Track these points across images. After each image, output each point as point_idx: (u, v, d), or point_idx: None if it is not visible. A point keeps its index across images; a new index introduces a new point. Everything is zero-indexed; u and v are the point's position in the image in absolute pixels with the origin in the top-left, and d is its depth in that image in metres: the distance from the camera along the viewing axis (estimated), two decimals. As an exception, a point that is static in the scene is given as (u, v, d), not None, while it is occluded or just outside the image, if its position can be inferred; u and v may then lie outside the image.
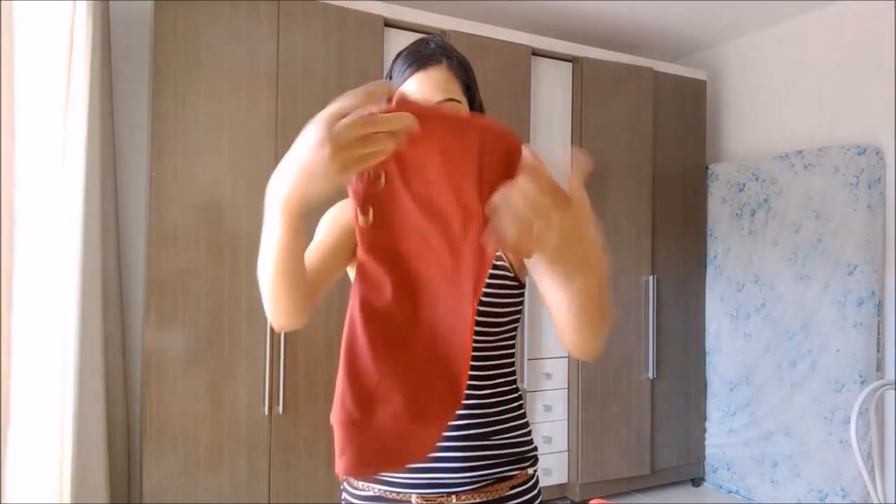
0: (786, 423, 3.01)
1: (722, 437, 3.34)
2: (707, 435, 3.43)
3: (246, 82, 2.32)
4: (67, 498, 1.98)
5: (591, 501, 0.76)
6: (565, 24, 3.27)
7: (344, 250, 0.93)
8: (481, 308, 0.94)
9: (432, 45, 0.98)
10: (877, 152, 2.79)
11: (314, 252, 0.91)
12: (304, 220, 0.68)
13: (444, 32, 2.70)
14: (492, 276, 0.96)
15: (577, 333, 0.73)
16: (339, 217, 0.96)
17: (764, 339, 3.15)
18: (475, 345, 0.95)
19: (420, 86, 0.94)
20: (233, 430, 2.28)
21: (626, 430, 3.13)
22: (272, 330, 2.34)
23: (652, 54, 3.65)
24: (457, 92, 0.96)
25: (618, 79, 3.14)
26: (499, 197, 0.56)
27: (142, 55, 2.51)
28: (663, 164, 3.30)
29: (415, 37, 2.71)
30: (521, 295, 1.01)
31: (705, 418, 3.44)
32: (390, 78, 0.98)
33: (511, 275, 0.98)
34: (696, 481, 3.43)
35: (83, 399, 2.07)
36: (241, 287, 2.30)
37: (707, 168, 3.50)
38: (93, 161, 2.12)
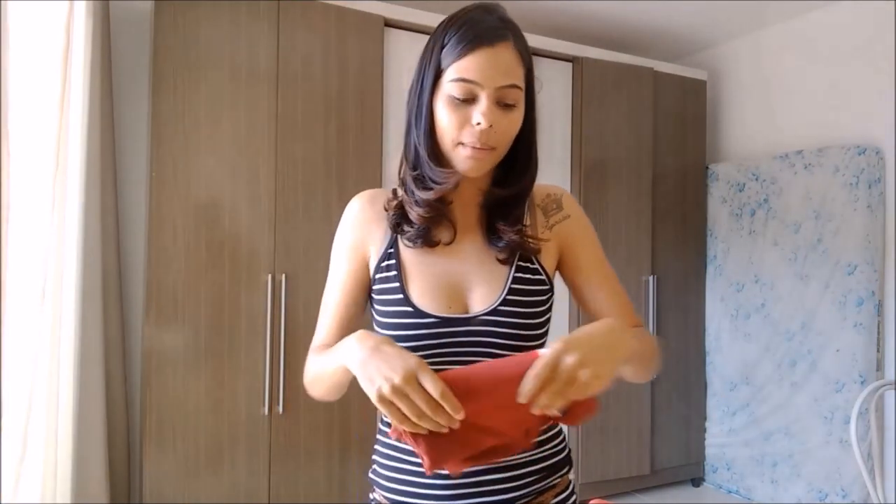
0: (786, 423, 3.01)
1: (722, 437, 3.34)
2: (707, 435, 3.43)
3: (246, 82, 2.32)
4: (67, 498, 1.98)
5: (591, 501, 0.76)
6: (565, 24, 3.27)
7: (365, 284, 0.95)
8: (514, 328, 0.87)
9: (494, 16, 0.84)
10: (877, 152, 2.79)
11: (344, 292, 0.95)
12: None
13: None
14: (525, 293, 0.89)
15: (633, 377, 0.89)
16: (352, 244, 0.95)
17: (764, 339, 3.15)
18: None
19: (484, 65, 0.81)
20: (233, 430, 2.28)
21: (626, 430, 3.13)
22: (272, 330, 2.34)
23: (652, 54, 3.65)
24: (519, 76, 0.84)
25: (618, 79, 3.14)
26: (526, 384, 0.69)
27: (142, 55, 2.51)
28: (663, 164, 3.30)
29: (415, 37, 2.72)
30: (552, 299, 0.95)
31: (705, 418, 3.44)
32: (442, 48, 0.83)
33: (546, 286, 0.92)
34: (696, 481, 3.43)
35: (83, 399, 2.07)
36: (240, 287, 2.30)
37: (707, 168, 3.50)
38: (93, 161, 2.12)
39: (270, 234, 2.35)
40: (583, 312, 0.97)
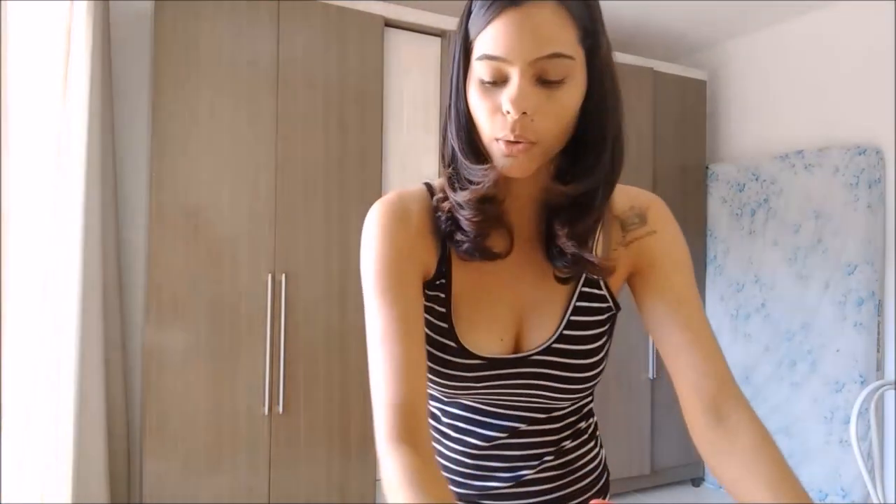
0: (786, 423, 3.01)
1: (722, 437, 3.34)
2: (707, 435, 3.43)
3: (246, 82, 2.32)
4: (67, 498, 1.98)
5: (591, 501, 0.75)
6: (565, 24, 3.27)
7: (423, 307, 0.73)
8: (568, 371, 0.74)
9: None
10: (877, 152, 2.79)
11: (420, 328, 0.70)
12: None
13: (444, 32, 2.70)
14: (584, 325, 0.74)
15: None
16: (411, 261, 0.72)
17: (764, 339, 3.15)
18: (563, 405, 0.79)
19: (511, 33, 0.60)
20: (233, 430, 2.28)
21: (626, 430, 3.13)
22: (272, 330, 2.34)
23: (652, 54, 3.65)
24: (567, 41, 0.62)
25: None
26: None
27: (142, 55, 2.51)
28: (663, 164, 3.30)
29: (415, 37, 2.73)
30: (613, 324, 0.80)
31: (705, 418, 3.44)
32: (469, 16, 0.66)
33: (611, 314, 0.78)
34: (696, 481, 3.42)
35: (83, 399, 2.07)
36: (241, 286, 2.30)
37: (707, 168, 3.50)
38: (93, 160, 2.12)
39: (270, 234, 2.35)
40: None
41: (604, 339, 0.76)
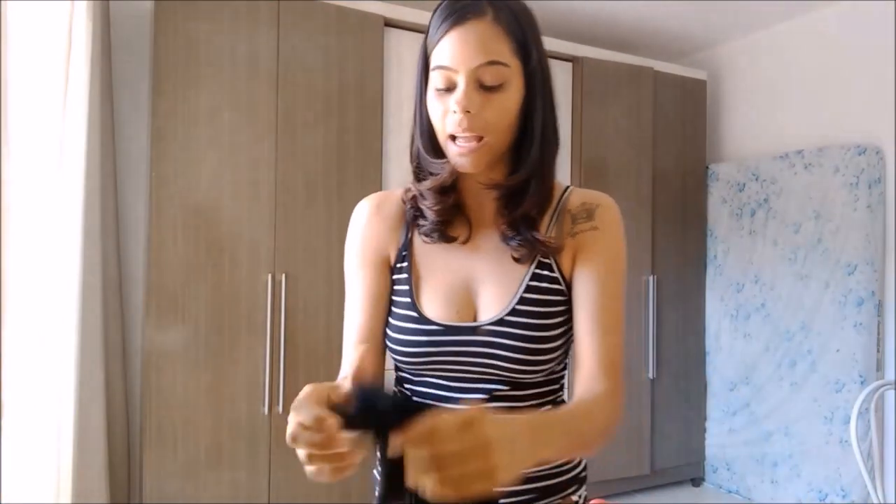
0: (786, 423, 3.01)
1: (722, 437, 3.34)
2: (707, 435, 3.43)
3: (246, 82, 2.32)
4: (67, 498, 1.98)
5: (592, 501, 0.74)
6: (565, 24, 3.27)
7: (387, 288, 0.87)
8: (522, 341, 0.79)
9: None
10: (877, 152, 2.79)
11: (366, 314, 0.86)
12: None
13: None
14: (538, 302, 0.81)
15: None
16: (368, 254, 0.88)
17: (764, 339, 3.15)
18: (522, 379, 0.82)
19: (456, 46, 0.75)
20: (233, 430, 2.28)
21: (626, 430, 3.13)
22: (272, 330, 2.34)
23: (652, 54, 3.65)
24: (503, 51, 0.75)
25: (618, 79, 3.14)
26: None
27: (142, 55, 2.51)
28: (663, 164, 3.30)
29: (415, 37, 2.72)
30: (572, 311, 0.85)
31: (705, 418, 3.44)
32: (426, 35, 0.82)
33: (565, 297, 0.83)
34: (696, 481, 3.43)
35: (83, 399, 2.07)
36: (241, 287, 2.30)
37: (707, 168, 3.50)
38: (93, 160, 2.12)
39: (270, 234, 2.35)
40: None
41: (559, 320, 0.82)
